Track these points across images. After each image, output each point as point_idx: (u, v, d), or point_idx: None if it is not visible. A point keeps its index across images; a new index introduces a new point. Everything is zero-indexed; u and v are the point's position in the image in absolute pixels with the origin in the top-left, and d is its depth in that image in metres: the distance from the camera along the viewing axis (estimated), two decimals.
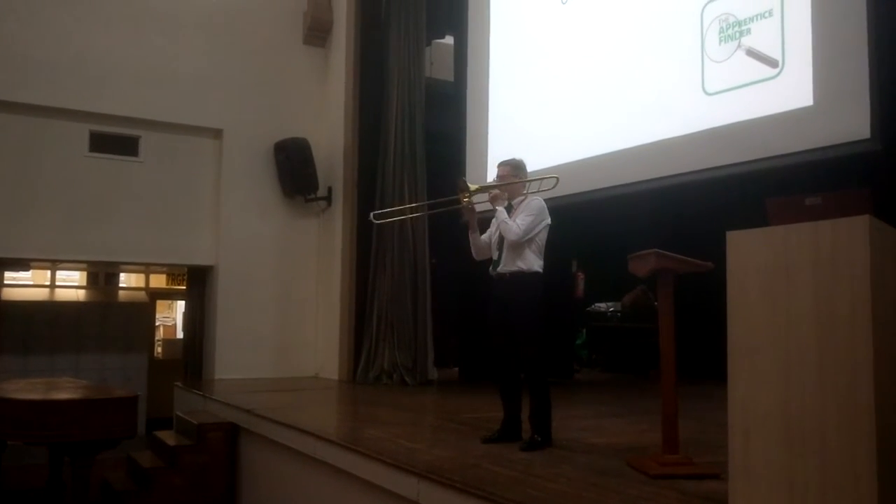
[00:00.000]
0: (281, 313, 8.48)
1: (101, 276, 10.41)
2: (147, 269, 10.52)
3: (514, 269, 4.16)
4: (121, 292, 10.51)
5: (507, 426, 4.22)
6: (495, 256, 4.29)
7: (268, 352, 8.34)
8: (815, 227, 2.23)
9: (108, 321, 9.59)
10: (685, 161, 5.32)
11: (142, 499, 5.52)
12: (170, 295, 11.59)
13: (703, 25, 5.29)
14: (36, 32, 7.43)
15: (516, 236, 4.12)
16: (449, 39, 9.28)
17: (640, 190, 5.70)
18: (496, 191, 4.32)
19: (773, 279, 2.30)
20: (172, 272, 10.94)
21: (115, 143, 7.92)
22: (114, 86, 7.72)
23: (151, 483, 5.56)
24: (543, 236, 4.23)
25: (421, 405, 6.47)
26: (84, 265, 9.74)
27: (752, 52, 4.93)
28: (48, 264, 9.54)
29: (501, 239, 4.23)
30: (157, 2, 8.11)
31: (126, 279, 10.95)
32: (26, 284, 9.93)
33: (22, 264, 8.99)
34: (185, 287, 9.56)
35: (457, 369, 9.02)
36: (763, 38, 4.87)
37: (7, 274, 9.45)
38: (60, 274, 10.16)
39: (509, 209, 4.27)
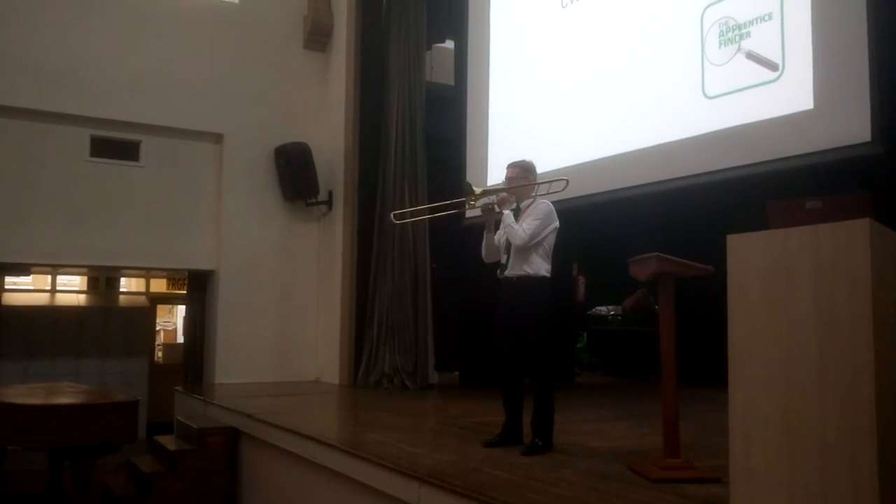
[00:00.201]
0: (281, 317, 8.48)
1: (102, 281, 10.40)
2: (148, 273, 10.52)
3: (520, 273, 4.13)
4: (121, 297, 10.51)
5: (508, 430, 4.21)
6: (503, 260, 4.26)
7: (268, 356, 8.34)
8: (816, 231, 2.22)
9: (109, 326, 9.59)
10: (685, 164, 5.32)
11: None
12: (170, 299, 11.58)
13: (703, 29, 5.29)
14: (37, 37, 7.44)
15: (521, 241, 4.09)
16: (449, 44, 9.30)
17: (641, 193, 5.70)
18: (503, 193, 4.28)
19: (773, 282, 2.29)
20: (173, 277, 10.94)
21: (115, 147, 7.93)
22: (114, 91, 7.74)
23: (152, 488, 5.55)
24: (551, 240, 4.19)
25: (422, 409, 6.46)
26: (85, 270, 9.74)
27: (752, 56, 4.93)
28: (49, 269, 9.53)
29: (509, 242, 4.20)
30: (158, 6, 8.12)
31: (127, 284, 10.94)
32: (27, 289, 9.92)
33: (22, 269, 8.98)
34: (185, 291, 9.55)
35: (458, 373, 9.01)
36: (763, 41, 4.87)
37: (8, 279, 9.44)
38: (61, 279, 10.15)
39: (518, 212, 4.23)
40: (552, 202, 4.28)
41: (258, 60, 8.53)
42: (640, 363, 9.79)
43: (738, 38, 5.04)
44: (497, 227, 4.34)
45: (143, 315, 10.24)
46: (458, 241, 7.68)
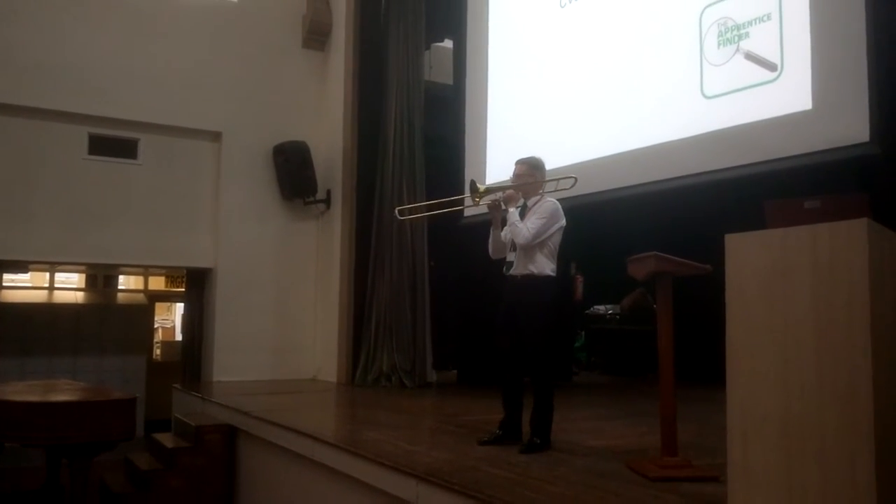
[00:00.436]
0: (280, 316, 8.48)
1: (100, 279, 10.40)
2: (146, 271, 10.52)
3: (525, 272, 4.11)
4: (119, 294, 10.51)
5: (506, 428, 4.21)
6: (510, 258, 4.23)
7: (266, 354, 8.34)
8: (814, 231, 2.23)
9: (107, 323, 9.58)
10: (684, 164, 5.32)
11: (140, 501, 5.51)
12: (168, 297, 11.58)
13: (702, 29, 5.29)
14: (35, 36, 7.43)
15: (525, 240, 4.06)
16: (448, 43, 9.30)
17: (639, 193, 5.70)
18: (510, 191, 4.25)
19: (771, 282, 2.30)
20: (171, 274, 10.94)
21: (114, 145, 7.92)
22: (113, 89, 7.73)
23: (149, 485, 5.55)
24: (557, 239, 4.16)
25: (419, 408, 6.46)
26: (83, 267, 9.74)
27: (750, 56, 4.93)
28: (47, 266, 9.53)
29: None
30: (157, 5, 8.12)
31: (125, 281, 10.94)
32: (25, 286, 9.92)
33: (20, 266, 8.99)
34: (183, 289, 9.55)
35: (455, 372, 9.01)
36: (762, 41, 4.87)
37: (6, 276, 9.45)
38: (59, 276, 10.15)
39: (524, 209, 4.21)
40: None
41: (257, 59, 8.52)
42: (638, 362, 9.80)
43: (736, 38, 5.04)
44: (504, 224, 4.31)
45: (141, 313, 10.23)
46: (457, 240, 7.69)
